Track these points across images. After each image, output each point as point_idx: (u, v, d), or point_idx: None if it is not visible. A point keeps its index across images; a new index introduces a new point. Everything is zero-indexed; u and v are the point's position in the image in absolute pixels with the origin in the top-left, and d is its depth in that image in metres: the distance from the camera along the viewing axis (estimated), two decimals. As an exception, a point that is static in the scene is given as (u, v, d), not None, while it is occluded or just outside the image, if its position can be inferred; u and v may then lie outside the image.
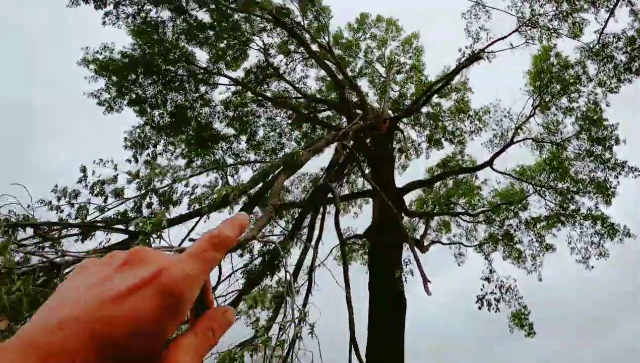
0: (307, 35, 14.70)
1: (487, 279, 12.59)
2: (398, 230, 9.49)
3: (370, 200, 12.95)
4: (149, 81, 12.70)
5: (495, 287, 12.30)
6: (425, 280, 8.17)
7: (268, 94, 15.38)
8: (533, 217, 12.71)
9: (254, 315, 5.68)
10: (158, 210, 6.82)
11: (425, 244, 13.27)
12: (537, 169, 12.57)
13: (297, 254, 11.44)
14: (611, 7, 10.21)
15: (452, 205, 14.34)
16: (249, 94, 15.30)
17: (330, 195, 10.46)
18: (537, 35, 11.65)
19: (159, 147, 12.10)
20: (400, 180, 13.28)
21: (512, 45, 11.65)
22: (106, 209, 8.25)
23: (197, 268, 0.38)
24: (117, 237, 7.86)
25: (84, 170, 8.41)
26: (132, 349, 0.34)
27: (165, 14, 12.37)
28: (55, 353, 0.32)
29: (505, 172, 12.61)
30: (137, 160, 9.46)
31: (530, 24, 11.52)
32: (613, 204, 11.58)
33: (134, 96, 12.57)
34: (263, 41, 14.66)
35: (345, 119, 14.14)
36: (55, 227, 7.55)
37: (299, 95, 15.39)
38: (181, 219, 8.38)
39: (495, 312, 11.84)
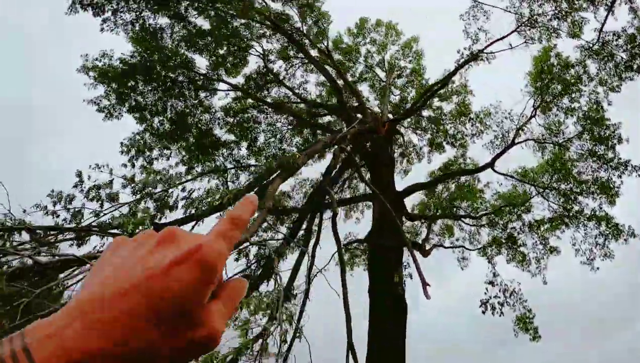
0: (307, 41, 14.73)
1: (491, 283, 12.41)
2: (397, 234, 9.38)
3: (372, 204, 12.85)
4: (149, 88, 12.74)
5: (499, 290, 12.12)
6: (425, 284, 8.04)
7: (268, 100, 15.40)
8: (536, 219, 12.52)
9: (242, 319, 5.59)
10: (141, 209, 6.79)
11: (427, 248, 13.11)
12: (539, 171, 12.40)
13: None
14: (609, 3, 10.10)
15: (454, 209, 14.18)
16: (250, 100, 15.33)
17: (327, 198, 10.38)
18: (537, 35, 11.56)
19: (155, 152, 12.04)
20: (402, 185, 13.17)
21: (511, 45, 11.58)
22: (101, 214, 8.23)
23: (225, 246, 0.44)
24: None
25: (79, 174, 8.42)
26: (177, 314, 0.39)
27: (164, 20, 12.45)
28: (120, 322, 0.37)
29: (507, 173, 12.46)
30: (133, 165, 9.46)
31: (529, 24, 11.43)
32: (617, 204, 11.40)
33: (133, 103, 12.60)
34: (262, 47, 14.70)
35: (345, 124, 14.09)
36: (50, 232, 7.54)
37: (299, 101, 15.38)
38: (176, 224, 8.34)
39: (500, 316, 11.66)
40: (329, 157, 13.24)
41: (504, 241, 13.02)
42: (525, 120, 12.11)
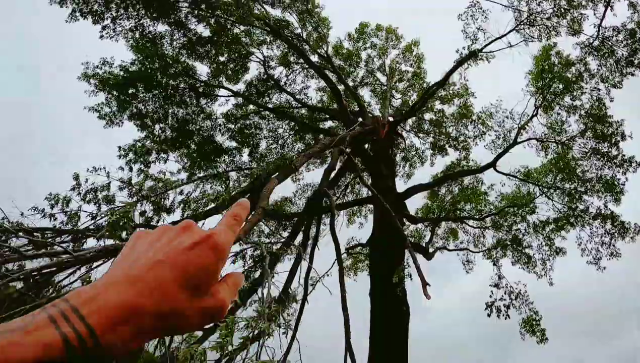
0: (307, 47, 14.79)
1: (496, 285, 12.18)
2: (398, 235, 9.26)
3: (373, 207, 12.73)
4: (150, 95, 12.82)
5: (505, 292, 11.88)
6: (424, 284, 7.88)
7: (269, 106, 15.44)
8: (541, 220, 12.31)
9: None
10: (125, 202, 6.77)
11: (430, 251, 12.95)
12: (543, 171, 12.22)
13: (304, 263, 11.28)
14: (608, -1, 10.01)
15: (458, 212, 14.01)
16: (251, 106, 15.38)
17: (326, 200, 10.30)
18: (536, 33, 11.48)
19: (153, 155, 12.07)
20: (405, 189, 13.06)
21: (510, 44, 11.50)
22: (98, 217, 8.24)
23: (231, 236, 0.54)
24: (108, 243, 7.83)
25: (76, 177, 8.45)
26: (196, 284, 0.48)
27: (164, 28, 12.57)
28: (154, 286, 0.45)
29: (510, 173, 12.28)
30: (131, 169, 9.48)
31: (528, 23, 11.37)
32: (622, 202, 11.16)
33: (134, 110, 12.68)
34: (263, 53, 14.78)
35: (346, 128, 14.05)
36: (47, 235, 7.55)
37: (300, 106, 15.39)
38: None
39: (505, 318, 11.41)
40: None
41: (509, 243, 12.79)
42: (527, 119, 11.98)
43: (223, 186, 13.76)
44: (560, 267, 12.42)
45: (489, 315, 11.63)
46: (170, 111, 13.50)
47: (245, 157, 15.17)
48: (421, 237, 14.60)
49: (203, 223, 8.34)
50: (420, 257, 13.33)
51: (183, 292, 0.47)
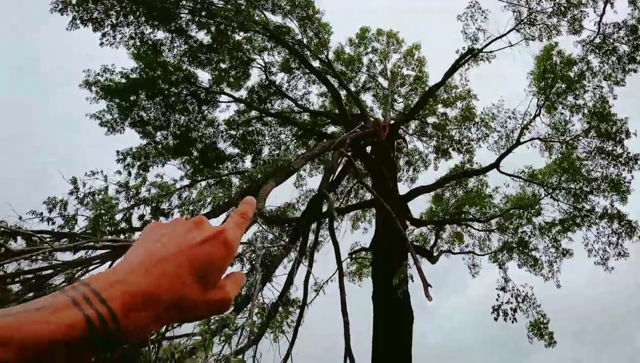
0: (308, 52, 14.81)
1: (503, 289, 11.96)
2: (399, 236, 9.12)
3: (375, 210, 12.60)
4: (151, 103, 12.87)
5: (512, 296, 11.65)
6: (426, 285, 7.74)
7: (271, 112, 15.44)
8: (547, 221, 12.09)
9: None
10: (108, 198, 6.73)
11: (434, 255, 12.77)
12: (547, 171, 12.03)
13: (304, 269, 11.16)
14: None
15: (463, 215, 13.84)
16: (253, 112, 15.39)
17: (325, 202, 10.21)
18: (537, 33, 11.38)
19: (151, 159, 12.08)
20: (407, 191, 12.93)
21: (510, 43, 11.41)
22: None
23: (239, 233, 0.56)
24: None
25: (74, 181, 8.46)
26: (208, 277, 0.50)
27: (165, 35, 12.66)
28: (170, 275, 0.47)
29: (514, 174, 12.11)
30: (129, 173, 9.48)
31: (528, 22, 11.28)
32: (629, 201, 10.93)
33: (136, 118, 12.73)
34: (263, 59, 14.82)
35: (347, 131, 13.98)
36: (46, 238, 7.53)
37: (302, 110, 15.39)
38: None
39: (512, 322, 11.17)
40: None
41: (515, 246, 12.58)
42: (530, 119, 11.84)
43: (225, 192, 13.72)
44: (567, 268, 12.19)
45: (495, 319, 11.40)
46: (172, 118, 13.54)
47: (248, 164, 15.16)
48: (426, 241, 14.43)
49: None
50: (425, 261, 13.17)
51: (196, 283, 0.49)
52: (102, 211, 4.38)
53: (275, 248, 10.05)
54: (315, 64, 14.83)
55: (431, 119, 16.00)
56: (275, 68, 15.40)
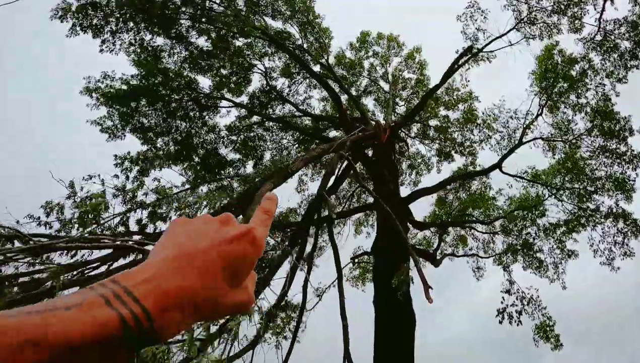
0: (309, 57, 14.83)
1: (508, 291, 11.78)
2: (400, 239, 9.01)
3: (376, 213, 12.49)
4: (152, 109, 12.91)
5: (517, 298, 11.47)
6: (426, 286, 7.61)
7: (273, 117, 15.45)
8: (551, 222, 11.91)
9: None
10: (95, 194, 6.69)
11: (438, 258, 12.61)
12: (551, 172, 11.87)
13: (303, 272, 11.06)
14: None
15: (466, 217, 13.69)
16: (255, 117, 15.41)
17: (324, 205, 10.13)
18: (537, 32, 11.30)
19: (147, 163, 12.09)
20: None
21: (510, 42, 11.33)
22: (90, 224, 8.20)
23: (265, 232, 0.55)
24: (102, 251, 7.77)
25: (72, 185, 8.46)
26: (236, 274, 0.49)
27: (165, 41, 12.72)
28: (202, 272, 0.46)
29: (517, 174, 11.96)
30: (127, 177, 9.48)
31: (528, 21, 11.20)
32: (634, 200, 10.74)
33: (137, 124, 12.77)
34: (264, 65, 14.85)
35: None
36: (43, 241, 7.52)
37: (302, 115, 15.38)
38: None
39: (517, 325, 10.98)
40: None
41: (519, 248, 12.40)
42: (532, 119, 11.71)
43: (222, 195, 13.69)
44: (572, 269, 11.97)
45: (500, 322, 11.23)
46: (173, 124, 13.57)
47: (249, 169, 15.15)
48: (429, 244, 14.28)
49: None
50: (428, 265, 13.01)
51: (225, 281, 0.48)
52: (88, 208, 4.34)
53: (274, 252, 9.99)
54: (316, 68, 14.87)
55: (433, 122, 15.92)
56: (276, 73, 15.44)
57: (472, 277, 13.74)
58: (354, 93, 16.05)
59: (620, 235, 10.75)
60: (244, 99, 15.21)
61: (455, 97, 15.36)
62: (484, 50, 11.52)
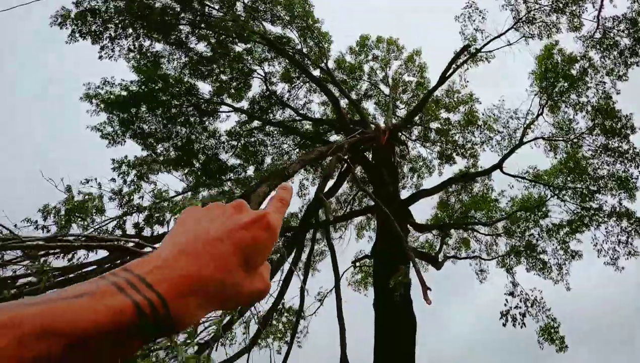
0: (308, 62, 14.86)
1: (511, 293, 11.62)
2: (399, 241, 8.92)
3: (376, 216, 12.40)
4: (152, 115, 12.95)
5: (520, 300, 11.30)
6: (425, 288, 7.51)
7: (273, 122, 15.46)
8: (554, 223, 11.76)
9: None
10: (84, 193, 6.69)
11: (440, 260, 12.49)
12: (553, 172, 11.74)
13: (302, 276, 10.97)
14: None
15: (468, 219, 13.57)
16: (255, 122, 15.43)
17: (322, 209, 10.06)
18: (536, 31, 11.24)
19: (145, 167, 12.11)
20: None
21: (509, 42, 11.27)
22: (88, 227, 8.21)
23: (280, 219, 0.53)
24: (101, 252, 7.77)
25: (69, 189, 8.48)
26: (252, 262, 0.48)
27: (164, 47, 12.80)
28: (216, 259, 0.44)
29: (518, 174, 11.84)
30: (124, 181, 9.49)
31: (527, 20, 11.15)
32: (637, 198, 10.57)
33: (137, 130, 12.81)
34: (264, 70, 14.89)
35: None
36: (39, 244, 7.52)
37: (302, 118, 15.38)
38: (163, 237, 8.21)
39: (521, 327, 10.81)
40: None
41: (522, 249, 12.24)
42: (533, 119, 11.61)
43: (218, 198, 13.68)
44: (576, 270, 11.79)
45: (504, 325, 11.07)
46: (173, 130, 13.61)
47: (250, 174, 15.13)
48: (432, 247, 14.15)
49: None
50: (430, 267, 12.89)
51: (240, 267, 0.47)
52: (74, 206, 4.32)
53: (272, 257, 9.93)
54: (316, 73, 14.88)
55: (434, 125, 15.85)
56: (276, 78, 15.47)
57: (475, 279, 13.59)
58: (354, 97, 16.03)
59: (624, 234, 10.61)
60: (244, 104, 15.26)
61: (455, 99, 15.30)
62: (482, 50, 11.47)
